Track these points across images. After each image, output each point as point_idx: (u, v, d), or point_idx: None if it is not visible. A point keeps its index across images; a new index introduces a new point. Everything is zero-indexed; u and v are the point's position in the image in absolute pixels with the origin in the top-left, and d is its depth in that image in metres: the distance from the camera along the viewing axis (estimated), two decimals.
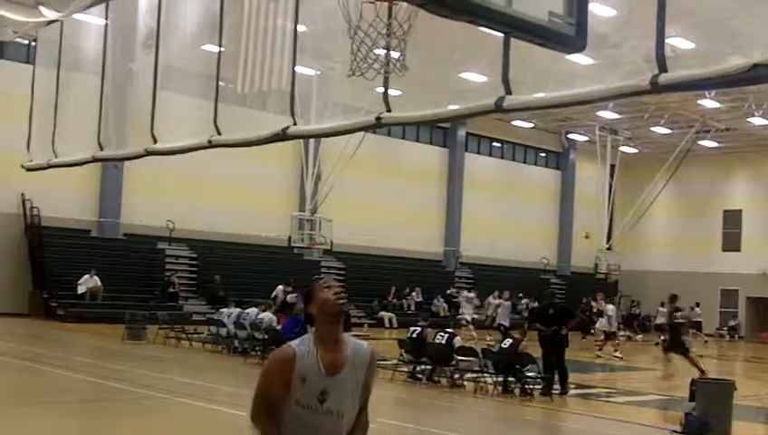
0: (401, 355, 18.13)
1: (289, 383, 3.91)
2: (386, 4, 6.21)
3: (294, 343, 4.01)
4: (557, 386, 16.59)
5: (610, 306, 29.70)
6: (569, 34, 5.52)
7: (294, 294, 28.53)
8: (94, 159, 16.09)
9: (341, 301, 4.06)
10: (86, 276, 30.12)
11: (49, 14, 16.65)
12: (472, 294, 33.83)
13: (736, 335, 43.85)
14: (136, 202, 33.16)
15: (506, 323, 28.49)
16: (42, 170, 17.56)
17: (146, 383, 15.20)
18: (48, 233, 31.03)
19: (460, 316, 31.86)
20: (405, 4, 5.86)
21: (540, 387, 16.17)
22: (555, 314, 17.41)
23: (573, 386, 17.62)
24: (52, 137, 16.41)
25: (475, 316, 32.60)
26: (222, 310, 23.10)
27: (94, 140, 15.29)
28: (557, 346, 16.89)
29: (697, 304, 38.78)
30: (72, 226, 32.18)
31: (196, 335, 22.47)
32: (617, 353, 26.45)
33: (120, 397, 14.13)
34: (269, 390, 3.96)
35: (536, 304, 34.97)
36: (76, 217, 32.24)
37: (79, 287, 29.95)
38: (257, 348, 20.40)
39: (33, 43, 19.97)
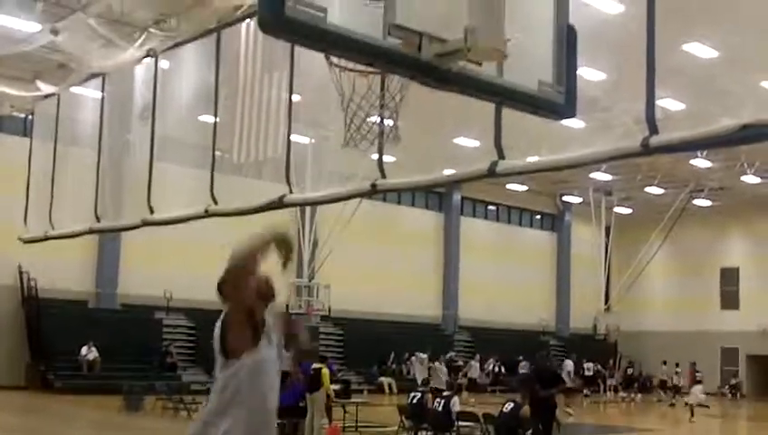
0: (401, 422, 17.95)
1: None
2: (378, 76, 6.33)
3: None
4: None
5: (568, 362, 30.10)
6: (559, 102, 5.62)
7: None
8: (91, 231, 16.14)
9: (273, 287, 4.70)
10: (85, 348, 29.95)
11: (46, 88, 16.90)
12: (423, 356, 33.33)
13: (738, 394, 43.49)
14: (133, 272, 33.10)
15: (440, 386, 28.40)
16: (39, 242, 17.59)
17: None
18: (45, 304, 30.88)
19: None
20: (396, 76, 5.98)
21: None
22: (549, 377, 17.48)
23: None
24: (50, 209, 16.48)
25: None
26: None
27: (91, 211, 15.35)
28: (550, 410, 16.79)
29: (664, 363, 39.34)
30: (70, 297, 32.06)
31: (194, 405, 22.23)
32: (567, 409, 26.05)
33: None
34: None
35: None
36: (73, 288, 32.14)
37: (82, 354, 29.82)
38: None
39: (30, 117, 20.17)
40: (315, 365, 18.88)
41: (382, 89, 6.44)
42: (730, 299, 47.21)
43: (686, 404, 28.70)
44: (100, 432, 19.34)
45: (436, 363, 31.78)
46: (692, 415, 27.46)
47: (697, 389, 29.04)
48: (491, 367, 40.28)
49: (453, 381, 31.13)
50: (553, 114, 5.76)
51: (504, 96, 5.40)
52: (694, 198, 42.41)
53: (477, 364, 38.08)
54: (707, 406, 28.59)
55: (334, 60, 6.01)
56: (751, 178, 38.89)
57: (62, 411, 23.59)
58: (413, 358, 34.66)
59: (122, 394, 23.06)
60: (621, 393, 39.67)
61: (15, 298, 30.97)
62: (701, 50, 23.76)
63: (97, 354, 30.19)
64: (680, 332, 45.99)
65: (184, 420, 21.61)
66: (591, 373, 40.24)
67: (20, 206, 17.69)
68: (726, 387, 44.08)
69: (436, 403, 17.05)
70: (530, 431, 15.99)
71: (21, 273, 30.87)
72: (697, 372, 37.96)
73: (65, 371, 29.73)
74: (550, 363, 19.19)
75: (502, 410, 16.41)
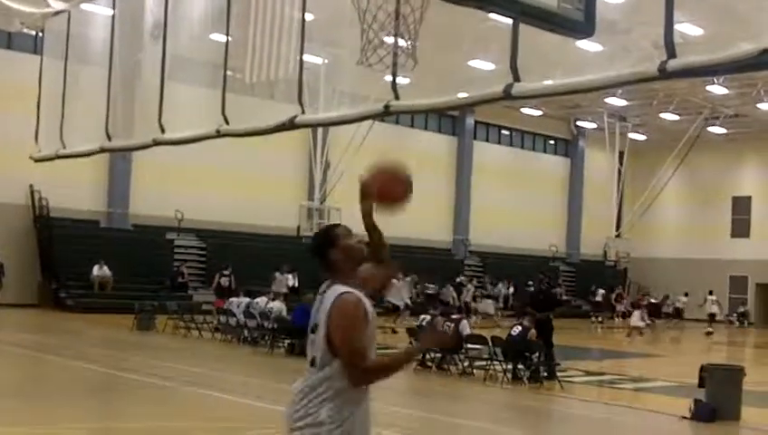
0: (410, 343, 18.15)
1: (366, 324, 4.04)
2: None
3: (345, 289, 4.07)
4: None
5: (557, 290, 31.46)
6: (578, 20, 5.51)
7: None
8: (102, 150, 16.08)
9: (363, 249, 4.30)
10: (96, 267, 30.24)
11: (56, 4, 16.65)
12: (405, 279, 33.50)
13: (746, 322, 43.74)
14: (144, 193, 33.23)
15: (398, 303, 29.43)
16: (50, 161, 17.59)
17: (156, 373, 15.27)
18: (57, 224, 31.11)
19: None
20: None
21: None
22: (545, 299, 17.75)
23: (583, 373, 17.72)
24: (60, 128, 16.41)
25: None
26: (231, 300, 23.15)
27: (102, 130, 15.29)
28: (548, 331, 16.99)
29: (686, 294, 39.34)
30: (81, 217, 32.26)
31: (205, 325, 22.54)
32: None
33: (130, 386, 14.19)
34: (359, 336, 3.98)
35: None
36: (85, 207, 32.31)
37: (94, 273, 30.23)
38: (267, 337, 20.46)
39: (41, 34, 19.96)
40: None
41: (398, 3, 6.30)
42: (741, 227, 47.18)
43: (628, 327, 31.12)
44: (113, 350, 19.65)
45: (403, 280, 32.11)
46: (627, 335, 30.11)
47: (636, 314, 30.97)
48: (502, 291, 40.50)
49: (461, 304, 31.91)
50: (572, 32, 5.65)
51: (523, 12, 5.28)
52: (709, 126, 42.00)
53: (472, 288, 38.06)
54: (641, 333, 30.28)
55: None
56: (767, 106, 38.47)
57: (74, 329, 23.95)
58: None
59: (134, 313, 23.35)
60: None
61: (27, 217, 31.19)
62: None
63: (109, 273, 30.49)
64: (690, 259, 46.10)
65: (195, 339, 21.94)
66: (600, 299, 40.43)
67: (31, 124, 17.64)
68: (734, 315, 44.32)
69: (445, 326, 17.22)
70: (536, 353, 16.20)
71: (32, 192, 31.03)
72: (646, 295, 38.45)
73: (77, 289, 30.08)
74: (546, 287, 19.42)
75: (509, 334, 16.58)
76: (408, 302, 31.60)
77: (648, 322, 32.74)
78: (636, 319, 30.64)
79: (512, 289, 40.16)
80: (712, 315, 37.58)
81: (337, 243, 4.20)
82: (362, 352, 3.97)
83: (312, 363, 4.06)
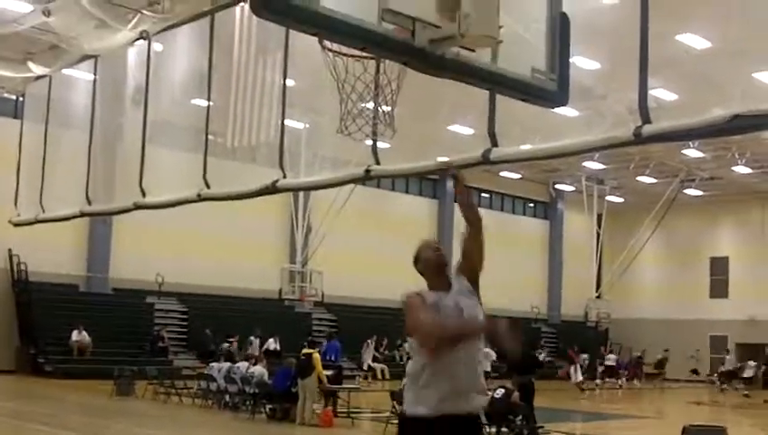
0: (393, 407, 18.00)
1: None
2: (373, 61, 6.31)
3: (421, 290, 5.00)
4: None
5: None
6: (551, 90, 5.64)
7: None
8: (82, 214, 16.10)
9: (441, 254, 5.18)
10: (75, 332, 29.93)
11: (37, 69, 16.81)
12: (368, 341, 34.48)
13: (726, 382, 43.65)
14: (125, 256, 33.07)
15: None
16: (29, 225, 17.55)
17: None
18: (36, 288, 30.84)
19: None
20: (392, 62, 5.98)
21: None
22: (527, 362, 17.78)
23: None
24: (40, 191, 16.43)
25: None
26: (212, 364, 22.92)
27: (82, 194, 15.32)
28: (530, 394, 16.97)
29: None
30: (60, 280, 32.02)
31: (185, 390, 22.27)
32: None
33: None
34: (421, 316, 4.78)
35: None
36: (64, 271, 32.07)
37: (73, 338, 29.96)
38: (248, 402, 20.23)
39: (22, 98, 20.07)
40: (306, 351, 18.93)
41: (377, 74, 6.44)
42: (719, 288, 47.45)
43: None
44: (92, 417, 19.36)
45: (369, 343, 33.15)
46: (581, 391, 32.16)
47: (571, 369, 33.84)
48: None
49: None
50: (546, 102, 5.78)
51: (498, 83, 5.41)
52: (685, 188, 42.52)
53: None
54: (582, 389, 32.57)
55: (327, 44, 6.01)
56: (741, 169, 39.05)
57: (53, 395, 23.58)
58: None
59: (113, 379, 23.05)
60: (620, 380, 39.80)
61: (6, 281, 30.91)
62: (694, 40, 23.79)
63: (88, 338, 30.16)
64: (670, 319, 46.20)
65: (175, 405, 21.66)
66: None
67: (10, 188, 17.64)
68: (715, 375, 44.24)
69: None
70: (520, 416, 16.10)
71: (11, 256, 30.81)
72: (581, 354, 39.02)
73: (56, 355, 29.69)
74: (530, 350, 19.45)
75: (493, 396, 16.49)
76: (370, 363, 33.06)
77: (581, 378, 34.61)
78: (574, 375, 32.85)
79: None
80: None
81: (418, 257, 5.14)
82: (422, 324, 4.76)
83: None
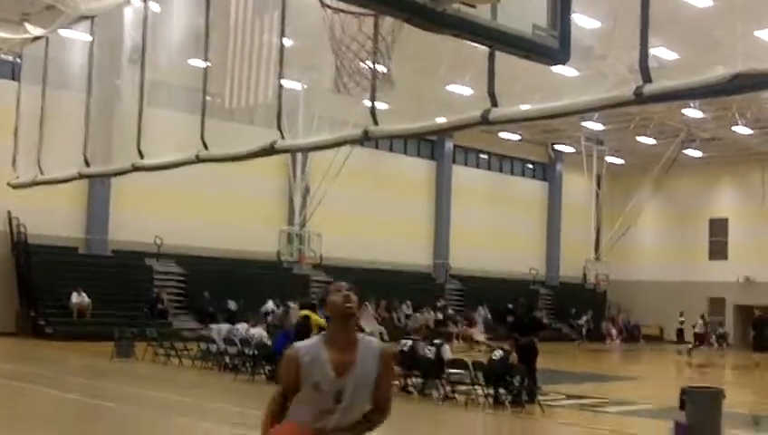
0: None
1: (298, 381, 4.09)
2: (370, 18, 6.23)
3: (301, 344, 4.20)
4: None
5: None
6: (552, 47, 5.56)
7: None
8: (81, 176, 16.04)
9: (349, 304, 4.19)
10: (75, 294, 30.01)
11: (34, 30, 16.64)
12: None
13: (725, 343, 43.93)
14: (123, 218, 33.06)
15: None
16: (28, 188, 17.50)
17: (136, 401, 15.13)
18: (35, 251, 30.88)
19: None
20: (389, 18, 5.90)
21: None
22: (530, 323, 17.79)
23: (564, 396, 17.76)
24: (38, 154, 16.36)
25: None
26: (212, 326, 22.99)
27: (80, 156, 15.25)
28: (532, 356, 17.03)
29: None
30: (60, 243, 32.04)
31: (185, 352, 22.37)
32: None
33: (111, 416, 14.05)
34: (284, 381, 4.19)
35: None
36: (63, 234, 32.10)
37: (73, 300, 30.06)
38: (247, 364, 20.33)
39: (19, 60, 19.91)
40: (304, 312, 18.97)
41: (375, 31, 6.36)
42: (718, 249, 47.54)
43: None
44: (92, 378, 19.47)
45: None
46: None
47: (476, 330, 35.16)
48: (482, 316, 40.59)
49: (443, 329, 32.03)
50: (547, 59, 5.70)
51: (498, 40, 5.34)
52: (685, 149, 42.42)
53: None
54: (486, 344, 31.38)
55: (327, 0, 5.92)
56: (742, 129, 38.91)
57: (53, 357, 23.71)
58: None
59: (113, 340, 23.15)
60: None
61: (5, 244, 30.93)
62: None
63: (87, 300, 30.28)
64: (669, 281, 46.35)
65: (175, 366, 21.77)
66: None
67: (8, 151, 17.56)
68: (713, 337, 44.50)
69: (427, 350, 17.19)
70: (517, 378, 16.18)
71: (10, 219, 30.80)
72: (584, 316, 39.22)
73: (56, 317, 29.81)
74: (529, 311, 19.46)
75: (491, 358, 16.57)
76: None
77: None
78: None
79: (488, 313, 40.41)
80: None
81: (325, 299, 4.30)
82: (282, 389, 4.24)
83: None
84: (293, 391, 4.12)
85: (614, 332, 41.88)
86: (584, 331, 43.23)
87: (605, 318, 46.96)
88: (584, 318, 42.87)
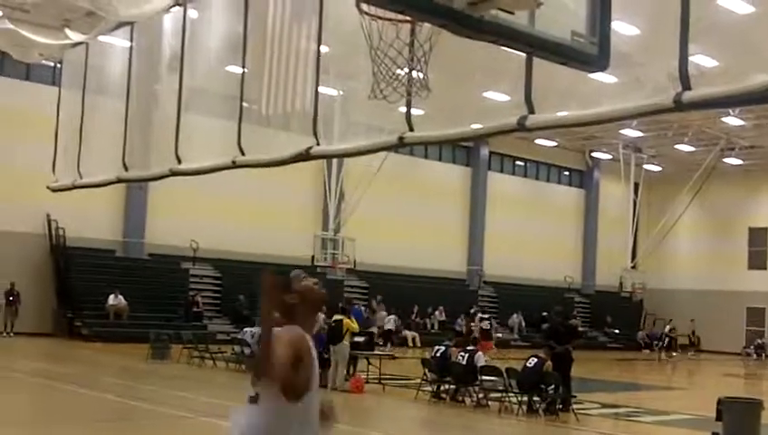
0: (425, 374, 18.07)
1: (304, 358, 4.08)
2: (408, 25, 6.24)
3: (298, 328, 4.14)
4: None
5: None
6: (591, 53, 5.52)
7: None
8: (119, 180, 16.19)
9: (322, 289, 4.30)
10: (112, 296, 30.33)
11: (74, 36, 16.85)
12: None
13: (763, 354, 43.36)
14: (160, 222, 33.38)
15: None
16: (67, 191, 17.70)
17: (170, 402, 15.25)
18: (73, 253, 31.26)
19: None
20: (427, 24, 5.90)
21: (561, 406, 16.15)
22: (565, 332, 17.66)
23: (598, 405, 17.65)
24: (78, 158, 16.53)
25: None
26: (245, 329, 23.12)
27: (119, 160, 15.39)
28: (567, 363, 16.90)
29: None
30: (98, 246, 32.42)
31: (220, 355, 22.51)
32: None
33: (146, 416, 14.17)
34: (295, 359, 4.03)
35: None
36: (101, 237, 32.48)
37: (110, 302, 30.39)
38: None
39: (59, 65, 20.17)
40: (336, 317, 19.02)
41: (412, 38, 6.35)
42: (758, 259, 46.87)
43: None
44: (127, 379, 19.65)
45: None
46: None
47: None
48: (516, 323, 40.42)
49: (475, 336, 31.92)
50: (586, 66, 5.67)
51: (536, 46, 5.31)
52: (724, 157, 41.91)
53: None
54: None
55: (365, 7, 5.93)
56: None
57: (89, 359, 23.98)
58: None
59: (149, 343, 23.35)
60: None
61: (44, 246, 31.34)
62: (736, 4, 23.32)
63: (124, 302, 30.58)
64: (706, 290, 45.78)
65: (210, 369, 21.91)
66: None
67: (49, 155, 17.79)
68: (751, 347, 43.92)
69: (459, 357, 17.15)
70: (552, 386, 16.08)
71: (49, 221, 31.20)
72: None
73: (92, 318, 30.15)
74: (563, 319, 19.32)
75: (525, 365, 16.48)
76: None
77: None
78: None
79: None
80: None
81: (289, 286, 4.22)
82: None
83: None
84: (296, 365, 4.03)
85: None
86: (665, 341, 41.66)
87: (641, 328, 46.51)
88: (667, 328, 41.40)
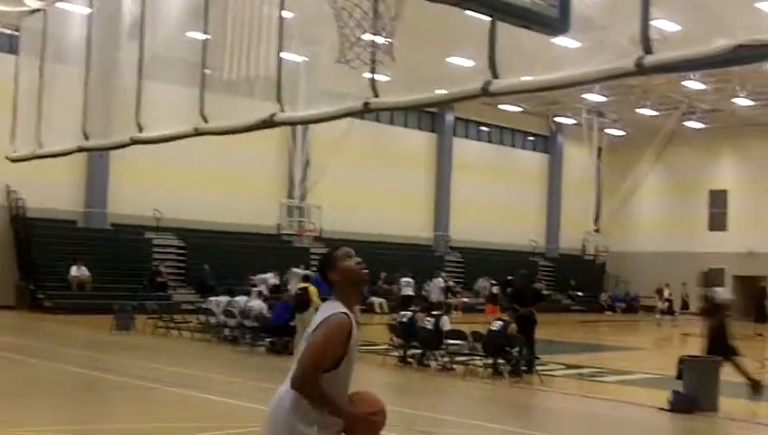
0: (391, 340, 18.19)
1: (346, 348, 4.18)
2: None
3: (337, 309, 4.21)
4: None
5: (439, 280, 31.98)
6: (552, 17, 5.54)
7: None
8: (80, 149, 16.03)
9: (366, 269, 4.38)
10: (74, 267, 30.05)
11: (32, 2, 16.53)
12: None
13: None
14: (122, 192, 33.05)
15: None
16: (27, 161, 17.47)
17: (135, 373, 15.20)
18: (34, 224, 30.91)
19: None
20: None
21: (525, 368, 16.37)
22: (530, 295, 17.87)
23: (563, 366, 17.90)
24: (37, 127, 16.31)
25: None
26: (211, 299, 23.08)
27: (79, 129, 15.21)
28: (531, 326, 17.11)
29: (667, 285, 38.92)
30: (59, 216, 32.05)
31: (185, 325, 22.45)
32: None
33: (109, 387, 14.13)
34: (329, 354, 4.13)
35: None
36: (62, 207, 32.10)
37: (72, 274, 30.15)
38: (247, 336, 20.42)
39: (17, 33, 19.81)
40: (301, 285, 19.03)
41: (376, 4, 6.32)
42: (718, 221, 47.56)
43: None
44: (92, 351, 19.55)
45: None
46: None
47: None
48: (482, 287, 40.69)
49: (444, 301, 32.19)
50: (547, 29, 5.68)
51: (498, 9, 5.31)
52: (685, 121, 42.33)
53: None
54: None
55: None
56: (742, 101, 38.84)
57: (52, 330, 23.79)
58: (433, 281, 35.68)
59: (113, 313, 23.22)
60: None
61: (4, 218, 30.95)
62: None
63: (87, 274, 30.33)
64: (668, 252, 46.38)
65: (174, 339, 21.86)
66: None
67: (7, 124, 17.52)
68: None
69: (426, 322, 17.26)
70: (516, 349, 16.26)
71: (9, 192, 30.80)
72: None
73: (55, 290, 29.87)
74: (530, 282, 19.54)
75: (490, 329, 16.64)
76: None
77: None
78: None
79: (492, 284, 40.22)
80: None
81: (335, 265, 4.34)
82: (318, 361, 4.12)
83: None
84: (337, 361, 4.16)
85: (659, 304, 39.55)
86: (666, 305, 39.21)
87: (604, 290, 47.13)
88: (667, 292, 40.66)
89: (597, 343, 26.73)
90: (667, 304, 38.05)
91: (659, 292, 38.51)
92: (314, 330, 4.18)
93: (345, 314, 4.18)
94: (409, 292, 33.34)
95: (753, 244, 44.35)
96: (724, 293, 15.29)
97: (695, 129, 44.07)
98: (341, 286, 4.30)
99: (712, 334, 14.33)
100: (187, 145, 15.92)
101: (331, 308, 4.21)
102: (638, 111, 42.27)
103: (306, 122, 19.84)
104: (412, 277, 34.59)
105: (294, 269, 26.82)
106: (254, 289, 25.17)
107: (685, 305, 40.46)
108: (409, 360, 17.69)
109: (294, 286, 21.37)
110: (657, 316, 37.06)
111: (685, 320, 34.79)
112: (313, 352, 4.11)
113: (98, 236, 32.56)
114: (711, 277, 16.58)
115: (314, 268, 25.57)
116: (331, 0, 6.22)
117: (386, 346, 18.14)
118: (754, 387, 13.90)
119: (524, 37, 6.31)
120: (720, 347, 13.97)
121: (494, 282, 30.20)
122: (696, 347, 15.36)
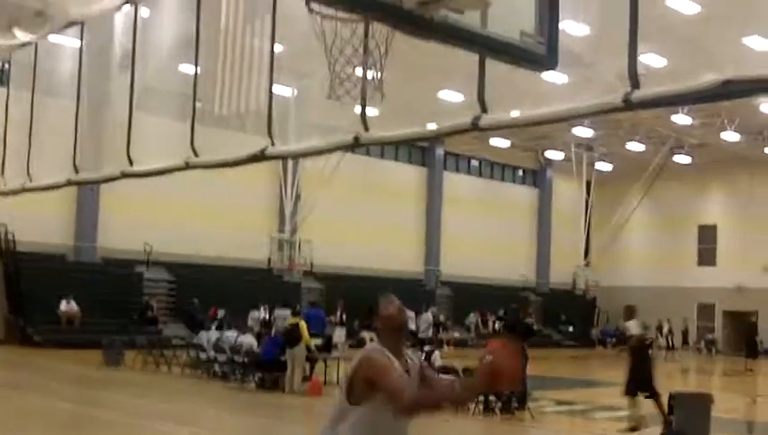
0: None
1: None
2: (362, 24, 6.23)
3: (378, 348, 4.44)
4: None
5: (428, 314, 31.74)
6: (540, 53, 5.58)
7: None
8: (70, 183, 15.93)
9: (404, 314, 4.61)
10: (64, 302, 29.87)
11: (23, 36, 16.56)
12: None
13: (714, 349, 44.08)
14: (112, 225, 32.97)
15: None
16: (16, 194, 17.41)
17: (125, 409, 15.08)
18: (24, 258, 30.74)
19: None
20: (381, 26, 5.90)
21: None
22: (521, 330, 17.84)
23: (554, 402, 17.82)
24: (27, 160, 16.26)
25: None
26: (201, 333, 22.95)
27: (70, 162, 15.17)
28: (523, 362, 17.03)
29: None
30: (49, 250, 31.92)
31: (175, 360, 22.30)
32: None
33: (99, 423, 13.99)
34: (392, 374, 4.33)
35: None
36: (52, 241, 31.98)
37: (62, 308, 29.92)
38: (237, 372, 20.29)
39: (7, 66, 19.84)
40: (291, 320, 18.96)
41: (366, 37, 6.36)
42: (707, 256, 47.71)
43: None
44: (81, 386, 19.39)
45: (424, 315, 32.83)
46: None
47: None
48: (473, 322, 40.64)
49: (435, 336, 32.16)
50: (535, 65, 5.72)
51: (486, 46, 5.35)
52: (674, 155, 42.59)
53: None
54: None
55: (315, 6, 5.92)
56: (730, 135, 39.12)
57: (42, 365, 23.59)
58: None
59: (102, 348, 23.05)
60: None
61: None
62: (683, 5, 23.73)
63: (76, 308, 30.15)
64: (658, 287, 46.47)
65: (164, 374, 21.70)
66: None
67: None
68: (702, 342, 44.66)
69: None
70: None
71: None
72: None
73: (44, 325, 29.66)
74: (519, 318, 19.51)
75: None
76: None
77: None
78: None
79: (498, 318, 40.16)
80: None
81: (377, 312, 4.61)
82: (394, 386, 4.31)
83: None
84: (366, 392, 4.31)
85: (660, 340, 39.29)
86: (670, 340, 40.06)
87: (595, 325, 47.06)
88: (666, 327, 40.64)
89: (588, 378, 26.65)
90: (667, 338, 38.00)
91: (659, 328, 38.45)
92: (355, 366, 4.42)
93: (378, 351, 4.40)
94: (337, 340, 32.89)
95: (742, 279, 44.49)
96: (635, 327, 15.25)
97: (683, 163, 44.33)
98: (383, 333, 4.55)
99: (632, 370, 14.33)
100: (177, 178, 15.89)
101: (371, 349, 4.47)
102: (626, 145, 42.54)
103: (297, 156, 19.88)
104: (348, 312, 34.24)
105: (278, 311, 26.73)
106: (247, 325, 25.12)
107: (685, 340, 40.54)
108: None
109: (282, 324, 21.25)
110: (663, 353, 36.76)
111: (686, 355, 34.81)
112: (384, 380, 4.28)
113: (88, 270, 32.42)
114: (629, 312, 16.47)
115: (310, 303, 25.53)
116: (320, 34, 6.25)
117: None
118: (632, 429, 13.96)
119: (514, 72, 6.36)
120: (642, 383, 14.01)
121: (500, 316, 30.07)
122: (687, 382, 15.31)
